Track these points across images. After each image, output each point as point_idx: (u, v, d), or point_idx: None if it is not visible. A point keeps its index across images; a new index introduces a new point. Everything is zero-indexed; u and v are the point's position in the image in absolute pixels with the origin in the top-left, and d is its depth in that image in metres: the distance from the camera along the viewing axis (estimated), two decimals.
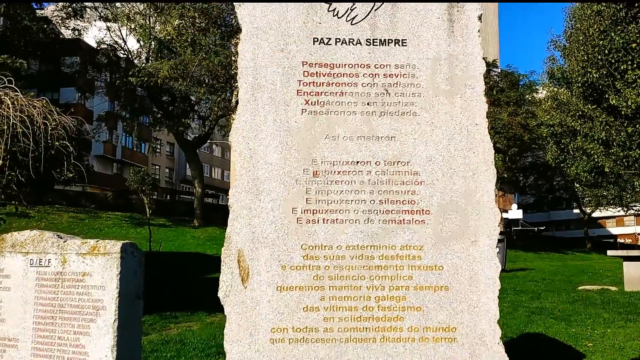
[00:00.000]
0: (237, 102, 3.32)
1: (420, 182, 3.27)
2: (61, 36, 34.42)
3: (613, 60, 17.20)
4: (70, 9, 28.83)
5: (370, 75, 3.33)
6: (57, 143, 12.89)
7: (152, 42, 27.60)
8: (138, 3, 28.65)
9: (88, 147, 47.16)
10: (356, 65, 3.33)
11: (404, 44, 3.37)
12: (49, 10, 32.90)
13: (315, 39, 3.35)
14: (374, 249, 3.19)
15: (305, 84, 3.29)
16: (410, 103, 3.32)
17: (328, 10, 3.37)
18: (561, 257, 34.28)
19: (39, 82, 35.74)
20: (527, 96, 41.78)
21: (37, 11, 31.79)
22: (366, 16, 3.39)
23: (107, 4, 29.03)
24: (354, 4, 3.39)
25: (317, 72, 3.31)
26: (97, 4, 29.19)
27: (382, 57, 3.35)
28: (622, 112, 17.36)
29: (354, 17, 3.39)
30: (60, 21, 30.53)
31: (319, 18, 3.36)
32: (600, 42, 17.36)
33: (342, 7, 3.38)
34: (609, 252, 16.15)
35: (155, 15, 27.75)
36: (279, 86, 3.28)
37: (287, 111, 3.26)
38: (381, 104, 3.31)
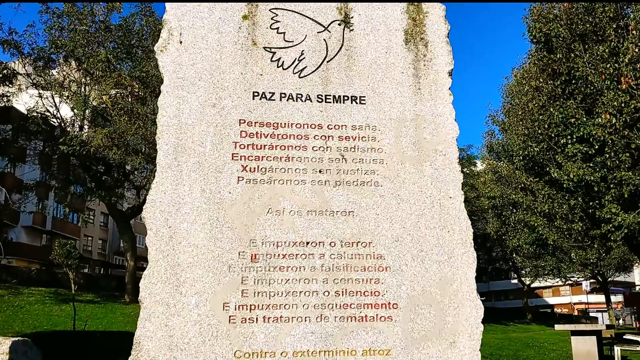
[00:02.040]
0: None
1: (386, 267, 2.64)
2: None
3: (553, 135, 17.42)
4: (0, 74, 27.62)
5: (323, 138, 2.74)
6: None
7: (87, 110, 26.60)
8: (74, 71, 27.78)
9: (16, 217, 44.84)
10: (305, 125, 2.74)
11: (362, 102, 2.82)
12: None
13: (256, 93, 2.75)
14: (328, 355, 2.50)
15: (242, 146, 2.66)
16: (370, 171, 2.73)
17: (271, 60, 2.80)
18: (504, 329, 34.14)
19: None
20: (464, 169, 42.74)
21: None
22: (317, 68, 2.83)
23: (41, 72, 27.97)
24: (302, 54, 2.83)
25: (257, 133, 2.69)
26: (29, 71, 28.14)
27: (336, 116, 2.78)
28: (564, 186, 17.46)
29: (302, 69, 2.82)
30: None
31: (260, 69, 2.78)
32: (540, 117, 17.63)
33: (288, 57, 2.81)
34: (557, 327, 15.93)
35: (91, 83, 26.88)
36: (209, 149, 2.63)
37: (219, 179, 2.61)
38: (336, 172, 2.70)
